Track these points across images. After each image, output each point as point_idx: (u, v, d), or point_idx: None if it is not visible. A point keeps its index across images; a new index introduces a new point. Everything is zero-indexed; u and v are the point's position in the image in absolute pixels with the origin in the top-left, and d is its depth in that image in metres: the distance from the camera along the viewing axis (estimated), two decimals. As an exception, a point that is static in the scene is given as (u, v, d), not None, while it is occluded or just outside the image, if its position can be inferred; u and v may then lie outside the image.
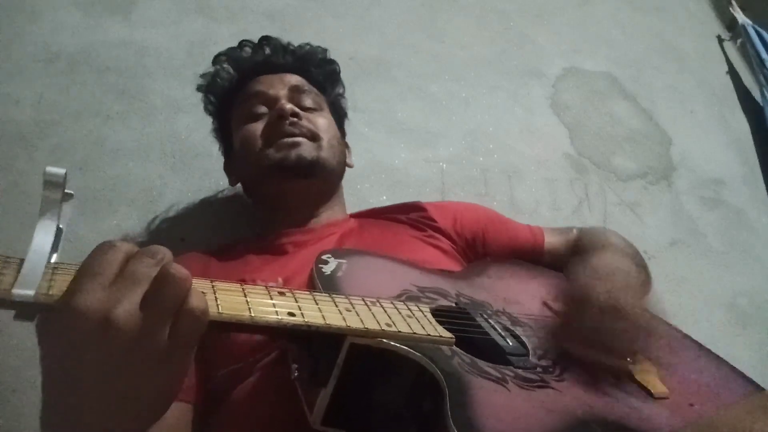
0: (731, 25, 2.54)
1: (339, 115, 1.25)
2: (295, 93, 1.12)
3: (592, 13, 2.23)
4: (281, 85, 1.13)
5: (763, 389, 0.77)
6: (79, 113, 1.31)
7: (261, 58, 1.20)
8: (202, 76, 1.22)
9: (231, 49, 1.23)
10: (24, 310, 0.44)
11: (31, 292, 0.44)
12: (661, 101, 2.04)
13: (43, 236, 0.47)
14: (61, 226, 0.49)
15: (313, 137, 1.07)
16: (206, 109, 1.23)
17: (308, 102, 1.13)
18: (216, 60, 1.21)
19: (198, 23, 1.56)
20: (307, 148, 1.04)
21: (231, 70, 1.20)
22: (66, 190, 0.49)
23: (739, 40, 2.48)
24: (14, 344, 1.03)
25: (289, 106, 1.06)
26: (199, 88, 1.23)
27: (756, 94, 2.28)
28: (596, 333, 0.71)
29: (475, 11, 1.99)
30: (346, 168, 1.19)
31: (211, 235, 1.24)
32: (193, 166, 1.30)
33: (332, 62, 1.27)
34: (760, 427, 0.48)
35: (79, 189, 1.21)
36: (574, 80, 1.95)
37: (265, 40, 1.22)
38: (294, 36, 1.30)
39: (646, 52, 2.19)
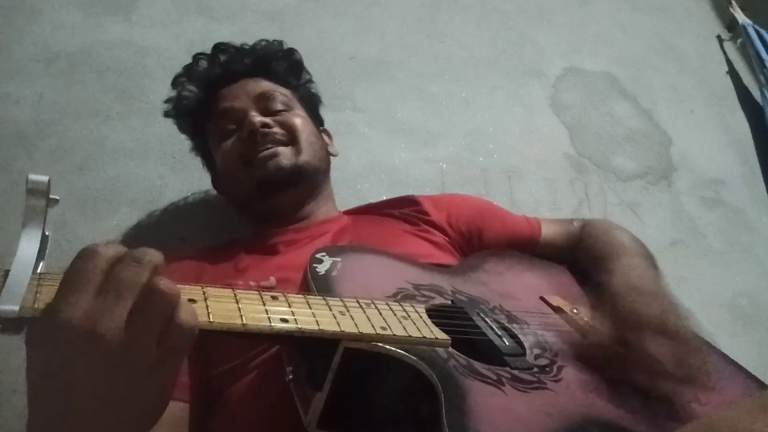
0: (731, 25, 2.53)
1: (312, 104, 1.24)
2: (261, 101, 1.11)
3: (592, 13, 2.22)
4: (246, 97, 1.11)
5: (764, 386, 0.77)
6: (79, 113, 1.31)
7: (219, 69, 1.18)
8: (167, 101, 1.21)
9: (187, 66, 1.21)
10: (9, 324, 0.44)
11: (15, 308, 0.43)
12: (661, 101, 2.04)
13: (27, 247, 0.46)
14: (47, 233, 0.48)
15: (290, 140, 1.06)
16: (181, 129, 1.23)
17: (277, 105, 1.11)
18: (175, 82, 1.20)
19: (198, 23, 1.56)
20: (284, 156, 1.04)
21: (194, 88, 1.18)
22: (51, 196, 0.48)
23: (739, 40, 2.47)
24: (14, 344, 1.03)
25: (258, 119, 1.05)
26: (167, 114, 1.21)
27: (756, 94, 2.27)
28: (659, 362, 0.70)
29: (475, 11, 1.99)
30: (335, 158, 1.18)
31: (211, 235, 1.24)
32: (193, 166, 1.30)
33: (291, 52, 1.25)
34: (760, 427, 0.48)
35: (79, 189, 1.21)
36: (574, 80, 1.95)
37: (219, 48, 1.20)
38: (294, 36, 1.30)
39: (646, 52, 2.19)
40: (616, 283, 0.85)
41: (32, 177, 0.47)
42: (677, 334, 0.72)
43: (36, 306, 0.44)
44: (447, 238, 1.08)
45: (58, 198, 0.49)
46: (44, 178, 0.47)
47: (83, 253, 0.46)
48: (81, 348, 0.43)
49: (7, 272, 0.45)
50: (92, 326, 0.42)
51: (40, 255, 0.47)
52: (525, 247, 1.11)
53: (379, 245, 0.92)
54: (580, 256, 1.06)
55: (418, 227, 1.07)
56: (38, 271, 0.47)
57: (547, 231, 1.14)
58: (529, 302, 0.88)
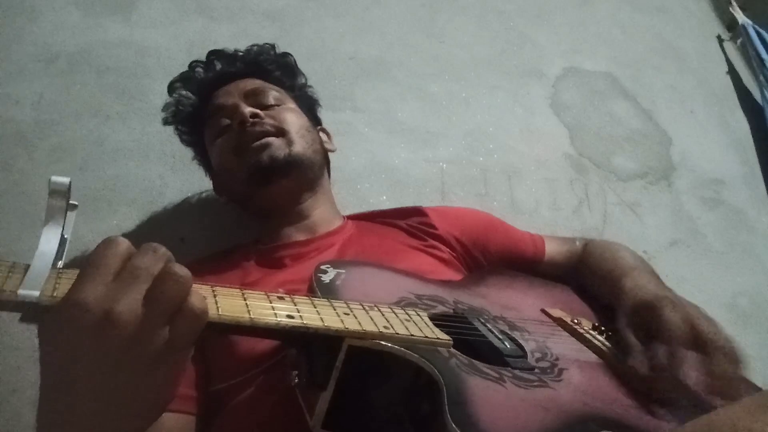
0: (731, 25, 2.53)
1: (309, 104, 1.24)
2: (252, 96, 1.12)
3: (592, 13, 2.22)
4: (237, 93, 1.12)
5: (761, 389, 0.77)
6: (79, 113, 1.31)
7: (213, 74, 1.19)
8: (164, 109, 1.22)
9: (183, 73, 1.22)
10: (29, 311, 0.45)
11: (36, 293, 0.45)
12: (661, 101, 2.04)
13: (48, 242, 0.48)
14: (66, 235, 0.50)
15: (279, 132, 1.06)
16: (182, 140, 1.24)
17: (269, 100, 1.12)
18: (171, 89, 1.21)
19: (198, 23, 1.57)
20: (277, 147, 1.04)
21: (190, 95, 1.19)
22: (71, 201, 0.50)
23: (739, 40, 2.47)
24: (14, 344, 1.03)
25: (248, 110, 1.06)
26: (165, 122, 1.22)
27: (756, 94, 2.27)
28: (702, 378, 0.68)
29: (475, 11, 1.99)
30: (334, 156, 1.19)
31: (211, 235, 1.24)
32: (193, 166, 1.30)
33: (285, 55, 1.26)
34: (760, 427, 0.48)
35: (79, 189, 1.20)
36: (574, 80, 1.95)
37: (213, 54, 1.22)
38: (294, 36, 1.30)
39: (646, 52, 2.19)
40: (637, 295, 0.83)
41: (54, 178, 0.50)
42: (717, 346, 0.70)
43: (55, 295, 0.46)
44: (453, 253, 1.08)
45: (77, 204, 0.52)
46: (65, 180, 0.50)
47: (104, 242, 0.48)
48: (95, 329, 0.44)
49: (28, 265, 0.47)
50: (107, 308, 0.44)
51: (59, 255, 0.49)
52: (528, 264, 1.12)
53: (384, 259, 0.93)
54: (585, 275, 1.07)
55: (424, 242, 1.07)
56: (58, 267, 0.49)
57: (551, 249, 1.15)
58: (529, 313, 0.89)
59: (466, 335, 0.71)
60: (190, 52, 1.45)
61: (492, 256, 1.11)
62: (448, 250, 1.07)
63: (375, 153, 1.49)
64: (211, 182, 1.23)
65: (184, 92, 1.20)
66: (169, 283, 0.46)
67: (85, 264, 0.46)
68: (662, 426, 0.64)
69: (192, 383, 0.84)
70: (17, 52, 1.36)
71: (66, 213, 0.50)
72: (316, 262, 0.82)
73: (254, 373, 0.81)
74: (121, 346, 0.44)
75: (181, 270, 0.47)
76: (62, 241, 0.49)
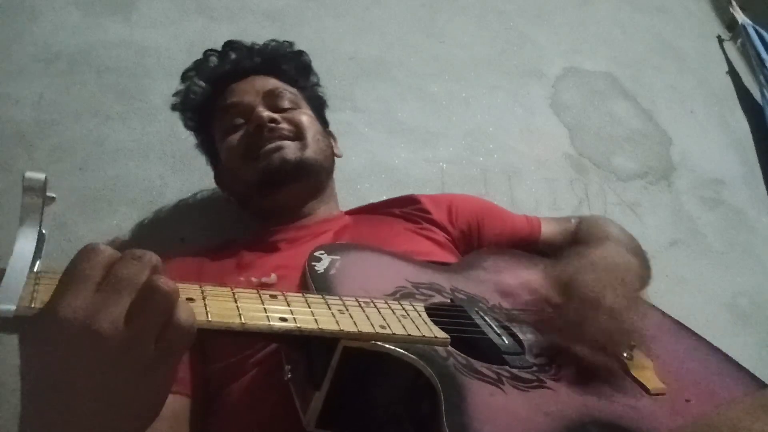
0: (731, 25, 2.53)
1: (318, 105, 1.24)
2: (269, 97, 1.11)
3: (592, 13, 2.22)
4: (254, 92, 1.11)
5: (764, 384, 0.77)
6: (79, 113, 1.31)
7: (229, 66, 1.18)
8: (175, 95, 1.21)
9: (197, 62, 1.21)
10: (7, 324, 0.43)
11: (11, 307, 0.42)
12: (661, 101, 2.04)
13: (24, 246, 0.45)
14: (44, 231, 0.47)
15: (297, 136, 1.06)
16: (186, 125, 1.23)
17: (285, 103, 1.11)
18: (185, 77, 1.20)
19: (198, 23, 1.57)
20: (290, 150, 1.04)
21: (202, 84, 1.19)
22: (48, 194, 0.47)
23: (739, 40, 2.47)
24: (14, 344, 1.03)
25: (266, 114, 1.05)
26: (173, 108, 1.22)
27: (756, 94, 2.27)
28: (580, 326, 0.70)
29: (475, 11, 1.99)
30: (336, 158, 1.18)
31: (211, 235, 1.24)
32: (193, 166, 1.30)
33: (301, 54, 1.26)
34: (761, 427, 0.48)
35: (79, 189, 1.21)
36: (574, 80, 1.95)
37: (229, 45, 1.21)
38: (294, 36, 1.30)
39: (646, 52, 2.19)
40: (580, 254, 0.85)
41: (29, 174, 0.46)
42: (611, 311, 0.71)
43: (33, 305, 0.43)
44: (448, 237, 1.08)
45: (54, 196, 0.48)
46: (41, 176, 0.47)
47: (83, 251, 0.45)
48: (78, 345, 0.42)
49: (2, 271, 0.43)
50: (90, 323, 0.42)
51: (37, 253, 0.46)
52: (525, 245, 1.12)
53: (380, 243, 0.92)
54: None
55: (419, 225, 1.07)
56: (35, 269, 0.46)
57: (547, 229, 1.15)
58: (528, 299, 0.88)
59: (464, 330, 0.70)
60: (190, 52, 1.45)
61: (488, 239, 1.11)
62: (442, 233, 1.07)
63: (375, 153, 1.49)
64: (212, 174, 1.23)
65: (197, 81, 1.19)
66: (153, 298, 0.44)
67: (65, 273, 0.44)
68: (660, 425, 0.64)
69: (186, 365, 0.83)
70: (17, 52, 1.36)
71: (43, 209, 0.47)
72: (311, 246, 0.80)
73: (250, 353, 0.80)
74: (106, 359, 0.43)
75: (167, 284, 0.44)
76: (40, 238, 0.46)
